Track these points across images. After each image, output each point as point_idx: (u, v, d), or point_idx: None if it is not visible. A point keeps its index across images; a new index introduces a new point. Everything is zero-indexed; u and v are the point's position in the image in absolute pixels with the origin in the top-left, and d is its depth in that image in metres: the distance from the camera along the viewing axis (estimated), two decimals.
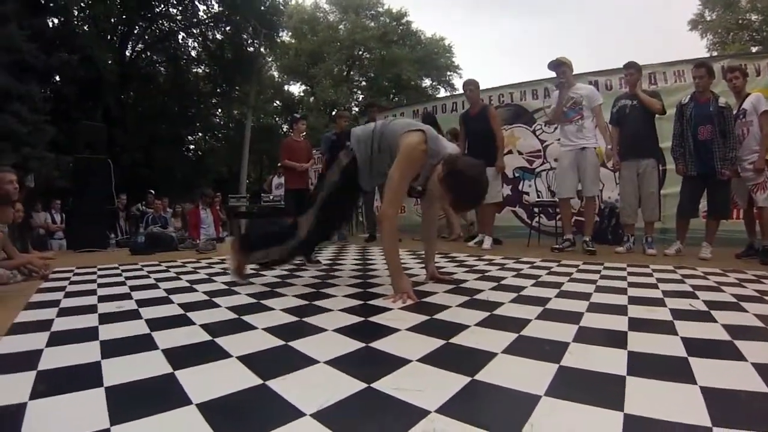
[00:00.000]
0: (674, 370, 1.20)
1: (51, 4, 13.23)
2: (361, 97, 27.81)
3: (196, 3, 19.14)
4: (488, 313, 1.89)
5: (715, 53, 18.98)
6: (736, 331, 1.56)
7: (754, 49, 17.35)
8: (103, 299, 2.28)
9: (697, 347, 1.39)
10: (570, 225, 4.72)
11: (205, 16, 19.85)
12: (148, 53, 19.88)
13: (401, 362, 1.30)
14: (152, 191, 9.72)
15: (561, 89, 4.55)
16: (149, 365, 1.29)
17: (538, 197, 6.54)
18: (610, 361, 1.28)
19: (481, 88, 5.34)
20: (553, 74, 4.70)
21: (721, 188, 3.95)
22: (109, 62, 15.23)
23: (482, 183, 2.26)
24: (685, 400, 1.02)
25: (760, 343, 1.44)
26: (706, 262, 3.61)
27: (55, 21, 14.04)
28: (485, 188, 2.30)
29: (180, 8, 19.30)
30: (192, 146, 23.91)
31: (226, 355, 1.38)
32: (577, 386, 1.12)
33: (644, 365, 1.25)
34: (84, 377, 1.19)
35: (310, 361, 1.31)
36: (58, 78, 13.80)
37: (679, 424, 0.91)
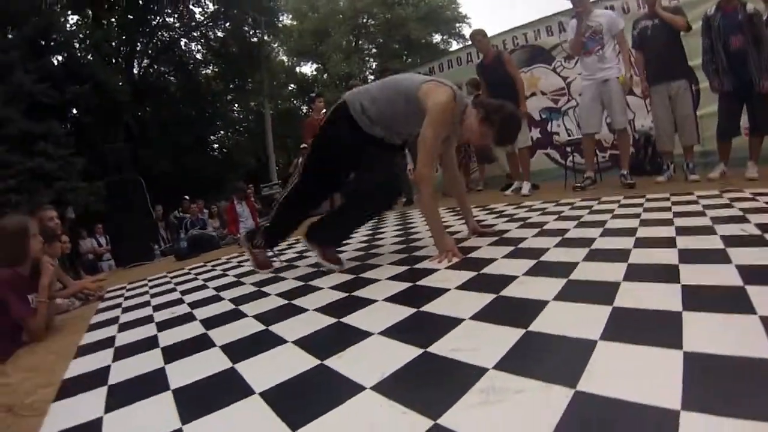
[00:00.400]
0: (731, 301, 1.15)
1: (51, 43, 13.54)
2: (374, 64, 27.33)
3: (191, 6, 19.17)
4: (535, 261, 1.86)
5: None
6: None
7: None
8: (157, 308, 2.36)
9: (754, 274, 1.32)
10: (592, 162, 4.58)
11: (202, 18, 19.87)
12: (155, 66, 20.05)
13: (454, 323, 1.30)
14: (186, 197, 9.94)
15: (578, 18, 4.34)
16: (210, 363, 1.33)
17: (569, 136, 6.32)
18: (664, 297, 1.24)
19: (493, 33, 5.18)
20: (565, 5, 4.49)
21: (761, 102, 3.69)
22: (120, 84, 15.49)
23: (518, 116, 2.43)
24: (745, 332, 0.98)
25: None
26: (754, 182, 3.41)
27: (59, 58, 14.35)
28: (520, 121, 2.46)
29: (176, 16, 19.37)
30: (216, 145, 24.23)
31: (281, 341, 1.41)
32: (633, 327, 1.09)
33: (700, 298, 1.19)
34: (151, 384, 1.25)
35: (364, 335, 1.33)
36: (75, 111, 14.17)
37: (740, 357, 0.87)
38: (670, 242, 1.85)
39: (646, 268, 1.55)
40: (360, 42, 27.40)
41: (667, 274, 1.45)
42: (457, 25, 27.65)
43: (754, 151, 3.78)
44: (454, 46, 26.25)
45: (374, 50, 27.88)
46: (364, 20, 26.54)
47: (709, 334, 0.99)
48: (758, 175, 3.57)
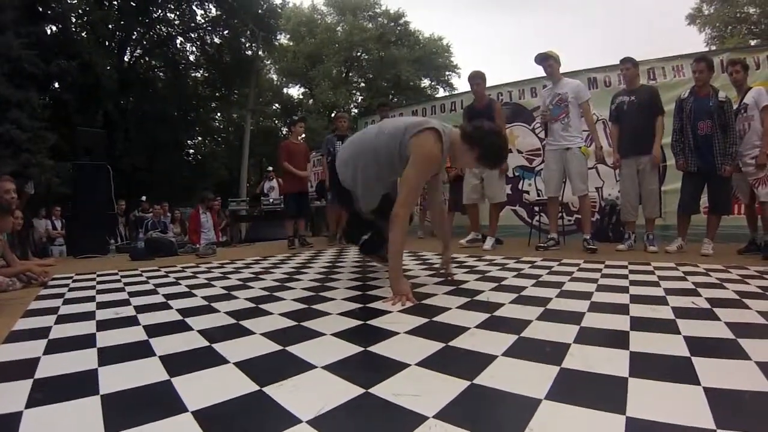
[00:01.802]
0: (677, 371, 1.19)
1: (48, 12, 13.24)
2: (360, 98, 27.74)
3: (194, 7, 19.14)
4: (488, 315, 1.87)
5: (713, 47, 18.94)
6: (740, 329, 1.54)
7: (752, 42, 17.31)
8: (101, 306, 2.28)
9: (700, 346, 1.37)
10: (556, 224, 4.69)
11: (202, 21, 19.84)
12: (147, 58, 19.84)
13: (400, 366, 1.28)
14: (144, 197, 9.70)
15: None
16: (146, 372, 1.28)
17: (538, 196, 6.48)
18: (612, 362, 1.26)
19: None
20: None
21: (722, 184, 3.92)
22: (108, 68, 15.19)
23: (504, 139, 2.54)
24: (688, 402, 1.01)
25: (763, 341, 1.42)
26: (708, 258, 3.58)
27: (53, 28, 14.03)
28: (506, 142, 2.58)
29: (177, 13, 19.30)
30: (192, 150, 23.89)
31: (223, 361, 1.37)
32: (579, 389, 1.10)
33: (646, 366, 1.23)
34: (80, 385, 1.19)
35: (307, 367, 1.30)
36: (57, 84, 13.81)
37: (681, 426, 0.89)
38: (623, 309, 1.90)
39: (598, 332, 1.59)
40: (350, 74, 27.82)
41: (617, 339, 1.48)
42: (447, 73, 28.46)
43: (711, 228, 3.96)
44: (441, 92, 26.95)
45: (363, 84, 28.34)
46: (358, 54, 27.03)
47: (653, 401, 1.02)
48: (713, 252, 3.75)
